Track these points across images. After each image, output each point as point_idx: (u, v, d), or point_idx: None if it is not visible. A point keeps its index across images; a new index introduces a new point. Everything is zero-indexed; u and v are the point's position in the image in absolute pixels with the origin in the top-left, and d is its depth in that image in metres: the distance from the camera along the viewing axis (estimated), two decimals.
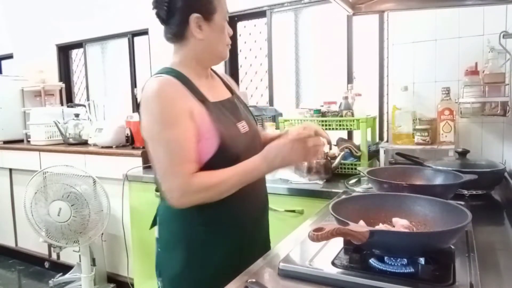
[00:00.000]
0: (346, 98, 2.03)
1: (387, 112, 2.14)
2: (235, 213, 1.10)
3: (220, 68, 2.71)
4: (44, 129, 3.18)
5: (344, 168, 1.95)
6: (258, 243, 1.20)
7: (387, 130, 2.14)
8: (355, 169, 1.91)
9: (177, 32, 1.09)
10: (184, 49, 1.11)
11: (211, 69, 1.22)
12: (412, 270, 0.78)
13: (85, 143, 3.04)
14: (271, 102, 2.67)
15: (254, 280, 0.78)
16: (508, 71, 1.61)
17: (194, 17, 1.06)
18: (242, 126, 1.11)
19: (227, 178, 1.01)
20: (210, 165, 1.02)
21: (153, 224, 1.21)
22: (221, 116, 1.07)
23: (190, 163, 1.00)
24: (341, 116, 1.97)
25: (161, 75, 1.06)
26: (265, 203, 1.25)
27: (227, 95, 1.18)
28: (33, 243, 3.21)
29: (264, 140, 1.22)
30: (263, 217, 1.25)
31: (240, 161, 1.04)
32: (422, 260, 0.77)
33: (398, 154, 1.91)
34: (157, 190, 1.59)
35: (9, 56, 4.13)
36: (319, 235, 0.72)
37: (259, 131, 1.22)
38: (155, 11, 1.09)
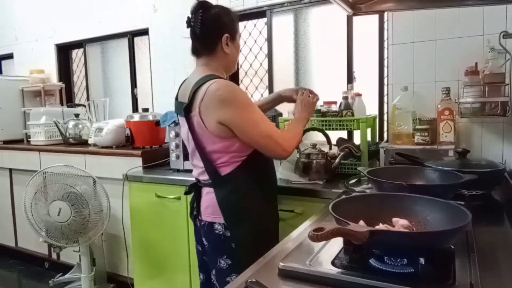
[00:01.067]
0: (346, 98, 2.03)
1: (387, 112, 2.14)
2: (273, 191, 1.55)
3: None
4: (44, 129, 3.18)
5: (344, 168, 1.95)
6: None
7: (387, 130, 2.14)
8: (355, 169, 1.91)
9: (210, 47, 1.40)
10: (216, 60, 1.42)
11: None
12: (412, 270, 0.78)
13: (85, 143, 3.03)
14: None
15: (254, 280, 0.78)
16: (508, 71, 1.61)
17: (225, 36, 1.40)
18: None
19: (295, 131, 1.49)
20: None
21: (196, 213, 1.49)
22: None
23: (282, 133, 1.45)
24: (341, 116, 1.97)
25: (218, 79, 1.35)
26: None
27: None
28: (33, 243, 3.21)
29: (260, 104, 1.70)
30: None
31: None
32: (422, 260, 0.77)
33: (398, 154, 1.91)
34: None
35: (9, 56, 4.13)
36: (319, 235, 0.72)
37: None
38: (189, 28, 1.40)
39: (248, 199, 1.39)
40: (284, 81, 2.66)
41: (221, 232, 1.39)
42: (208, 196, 1.42)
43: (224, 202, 1.37)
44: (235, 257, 1.37)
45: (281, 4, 2.54)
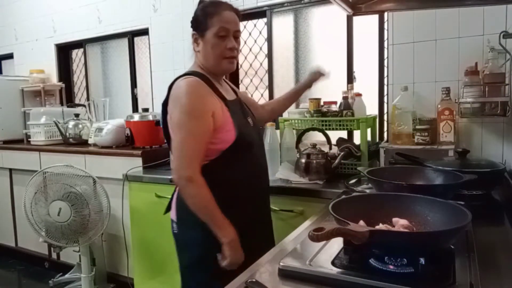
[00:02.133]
0: (346, 98, 2.03)
1: (387, 112, 2.14)
2: (239, 196, 1.35)
3: None
4: (44, 129, 3.18)
5: (344, 168, 1.95)
6: (260, 232, 1.43)
7: (387, 130, 2.14)
8: (355, 169, 1.91)
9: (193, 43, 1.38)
10: (196, 57, 1.40)
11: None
12: (412, 270, 0.78)
13: (85, 143, 3.03)
14: None
15: (254, 280, 0.78)
16: (508, 71, 1.61)
17: (192, 34, 1.37)
18: (250, 121, 1.41)
19: (203, 206, 1.26)
20: (230, 150, 1.29)
21: (167, 209, 1.46)
22: (236, 112, 1.35)
23: (197, 160, 1.25)
24: (341, 116, 1.97)
25: (189, 76, 1.30)
26: (267, 193, 1.52)
27: (234, 96, 1.45)
28: (33, 243, 3.21)
29: (263, 109, 1.70)
30: (265, 206, 1.51)
31: (252, 148, 1.36)
32: (422, 260, 0.77)
33: (398, 154, 1.91)
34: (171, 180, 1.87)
35: (9, 56, 4.13)
36: (319, 235, 0.72)
37: (259, 124, 1.56)
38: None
39: None
40: (284, 81, 2.66)
41: (175, 231, 1.41)
42: (175, 194, 1.43)
43: (178, 202, 1.36)
44: (182, 258, 1.40)
45: (281, 4, 2.54)
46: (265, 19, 2.65)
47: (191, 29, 1.38)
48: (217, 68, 1.35)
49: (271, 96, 2.68)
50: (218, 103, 1.30)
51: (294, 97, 1.76)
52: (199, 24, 1.34)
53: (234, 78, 2.82)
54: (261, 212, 1.47)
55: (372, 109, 2.21)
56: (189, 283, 1.38)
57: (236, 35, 1.34)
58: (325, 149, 1.93)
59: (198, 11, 1.35)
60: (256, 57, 2.78)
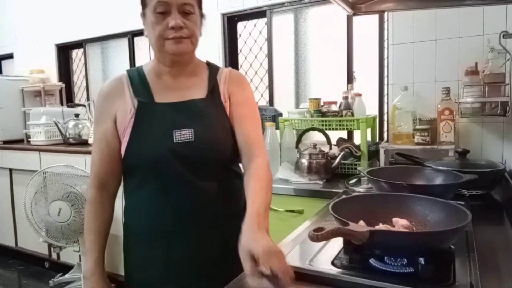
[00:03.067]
0: (346, 98, 2.03)
1: (387, 112, 2.14)
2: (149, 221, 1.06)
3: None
4: (44, 129, 3.17)
5: (344, 168, 1.95)
6: (194, 271, 1.05)
7: (387, 130, 2.14)
8: (355, 169, 1.91)
9: None
10: None
11: (212, 67, 1.13)
12: (412, 270, 0.78)
13: (85, 143, 3.03)
14: (271, 102, 2.67)
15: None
16: (508, 71, 1.61)
17: (140, 14, 1.07)
18: (182, 134, 1.00)
19: (86, 228, 1.13)
20: (126, 166, 1.06)
21: None
22: (153, 118, 1.02)
23: (94, 169, 1.09)
24: (341, 116, 1.97)
25: (119, 74, 1.10)
26: (212, 227, 1.05)
27: (196, 96, 1.06)
28: (33, 243, 3.20)
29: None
30: (207, 241, 1.05)
31: (160, 171, 1.00)
32: (422, 260, 0.77)
33: (398, 154, 1.91)
34: None
35: (9, 56, 4.13)
36: (319, 235, 0.72)
37: (221, 142, 1.06)
38: None
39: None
40: (284, 81, 2.66)
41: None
42: None
43: None
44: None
45: (281, 4, 2.54)
46: (265, 19, 2.65)
47: None
48: (162, 54, 1.02)
49: (271, 96, 2.68)
50: (127, 106, 1.03)
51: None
52: (141, 1, 1.05)
53: None
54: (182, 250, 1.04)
55: (372, 109, 2.21)
56: None
57: (184, 9, 0.99)
58: (325, 149, 1.93)
59: None
60: (256, 57, 2.79)
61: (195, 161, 1.02)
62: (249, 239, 0.81)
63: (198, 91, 1.08)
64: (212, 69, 1.13)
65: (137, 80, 1.07)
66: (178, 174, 1.00)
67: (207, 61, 1.16)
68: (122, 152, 1.03)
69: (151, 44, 1.04)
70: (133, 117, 1.02)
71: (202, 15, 1.07)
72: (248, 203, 0.95)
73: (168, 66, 1.06)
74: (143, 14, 1.05)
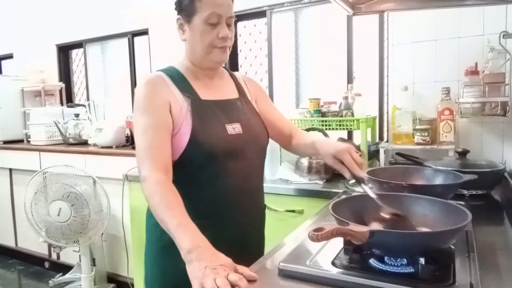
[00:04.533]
0: (346, 98, 2.03)
1: (387, 112, 2.14)
2: (213, 211, 1.10)
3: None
4: (44, 129, 3.18)
5: None
6: (240, 250, 1.04)
7: (387, 130, 2.14)
8: None
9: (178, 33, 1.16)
10: (184, 49, 1.17)
11: (228, 71, 1.27)
12: (412, 270, 0.78)
13: (85, 143, 3.04)
14: None
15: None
16: (508, 71, 1.61)
17: (176, 18, 1.13)
18: (233, 128, 1.12)
19: (154, 205, 0.97)
20: (185, 158, 1.06)
21: None
22: (206, 114, 1.10)
23: (152, 157, 1.02)
24: (341, 116, 1.97)
25: (156, 72, 1.14)
26: (255, 210, 1.20)
27: (232, 95, 1.20)
28: (33, 243, 3.20)
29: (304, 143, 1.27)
30: (251, 223, 1.19)
31: (218, 161, 1.06)
32: (422, 260, 0.77)
33: (398, 154, 1.91)
34: None
35: (9, 56, 4.13)
36: (319, 235, 0.72)
37: (261, 135, 1.20)
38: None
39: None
40: (284, 81, 2.66)
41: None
42: None
43: None
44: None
45: (281, 4, 2.54)
46: (265, 19, 2.65)
47: (177, 13, 1.14)
48: (206, 60, 1.12)
49: (271, 96, 2.68)
50: (179, 101, 1.08)
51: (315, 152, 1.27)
52: (184, 6, 1.10)
53: None
54: (238, 239, 1.13)
55: (372, 109, 2.21)
56: None
57: (229, 22, 1.10)
58: None
59: None
60: (256, 57, 2.79)
61: (245, 152, 1.12)
62: (329, 149, 1.13)
63: (230, 91, 1.21)
64: (229, 71, 1.28)
65: (178, 79, 1.12)
66: (232, 162, 1.09)
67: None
68: (182, 142, 1.05)
69: (193, 50, 1.12)
70: (189, 112, 1.07)
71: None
72: (312, 141, 1.22)
73: (204, 70, 1.16)
74: (187, 21, 1.10)
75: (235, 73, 1.28)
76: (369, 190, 1.02)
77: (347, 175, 1.10)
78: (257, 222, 1.22)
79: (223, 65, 1.23)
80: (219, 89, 1.18)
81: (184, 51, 1.17)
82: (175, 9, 1.13)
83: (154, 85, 1.09)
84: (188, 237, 0.88)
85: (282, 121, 1.32)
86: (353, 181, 1.78)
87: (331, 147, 1.13)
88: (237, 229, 1.13)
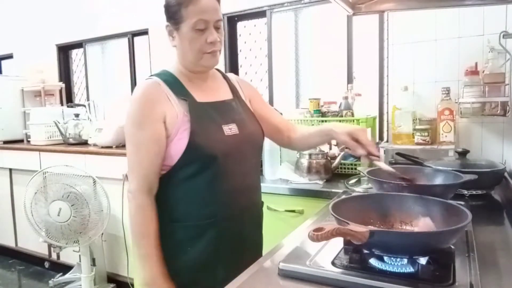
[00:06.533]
0: (346, 98, 2.03)
1: (387, 112, 2.14)
2: (210, 211, 1.11)
3: (220, 68, 2.71)
4: (44, 129, 3.17)
5: (344, 168, 1.95)
6: (240, 248, 1.16)
7: (387, 130, 2.14)
8: (355, 169, 1.91)
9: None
10: (175, 54, 1.19)
11: (221, 72, 1.28)
12: (412, 270, 0.78)
13: (85, 143, 3.03)
14: (271, 102, 2.67)
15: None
16: (508, 71, 1.61)
17: (165, 25, 1.15)
18: (230, 129, 1.13)
19: (132, 230, 1.08)
20: (184, 161, 1.07)
21: None
22: (203, 116, 1.11)
23: (141, 175, 1.08)
24: (341, 116, 1.97)
25: (150, 77, 1.15)
26: (253, 207, 1.23)
27: (226, 97, 1.20)
28: (33, 243, 3.20)
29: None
30: (250, 220, 1.22)
31: (217, 162, 1.08)
32: (422, 260, 0.77)
33: (398, 154, 1.91)
34: None
35: (9, 56, 4.13)
36: (319, 235, 0.72)
37: (257, 134, 1.22)
38: None
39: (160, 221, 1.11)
40: (284, 81, 2.66)
41: None
42: None
43: None
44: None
45: (281, 4, 2.54)
46: (265, 19, 2.65)
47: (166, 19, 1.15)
48: (197, 65, 1.13)
49: (271, 96, 2.68)
50: (175, 108, 1.08)
51: (319, 141, 1.36)
52: (171, 14, 1.11)
53: None
54: (236, 237, 1.15)
55: (372, 109, 2.21)
56: None
57: (217, 25, 1.10)
58: (325, 149, 1.93)
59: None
60: (256, 57, 2.79)
61: (242, 151, 1.15)
62: (344, 128, 1.15)
63: (224, 92, 1.22)
64: (222, 72, 1.29)
65: (173, 82, 1.13)
66: (230, 163, 1.11)
67: None
68: (180, 147, 1.06)
69: (184, 56, 1.14)
70: (186, 116, 1.08)
71: None
72: (317, 129, 1.28)
73: (197, 73, 1.17)
74: (176, 28, 1.11)
75: (228, 74, 1.30)
76: (384, 165, 1.10)
77: (361, 151, 1.11)
78: (255, 219, 1.25)
79: (216, 67, 1.23)
80: (213, 91, 1.19)
81: (175, 56, 1.19)
82: (165, 17, 1.15)
83: (150, 97, 1.09)
84: (148, 270, 1.05)
85: (277, 118, 1.34)
86: (353, 181, 1.78)
87: (345, 126, 1.18)
88: (237, 227, 1.15)
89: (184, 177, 1.09)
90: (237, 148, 1.13)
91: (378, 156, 1.12)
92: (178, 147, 1.07)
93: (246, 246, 1.18)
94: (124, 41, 3.36)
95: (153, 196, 1.10)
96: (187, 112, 1.08)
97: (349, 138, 1.12)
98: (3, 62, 4.39)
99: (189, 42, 1.10)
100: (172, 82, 1.13)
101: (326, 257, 0.87)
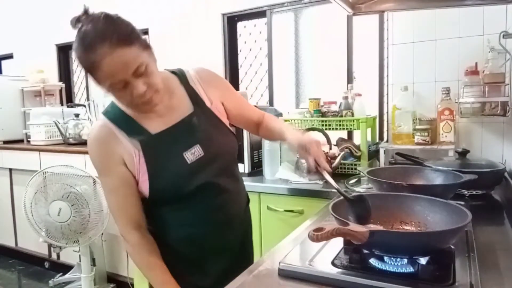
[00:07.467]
0: (346, 98, 2.03)
1: (387, 112, 2.14)
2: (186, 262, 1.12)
3: (220, 68, 2.71)
4: (44, 129, 3.17)
5: (344, 168, 1.95)
6: (236, 256, 1.18)
7: (387, 130, 2.14)
8: (355, 169, 1.91)
9: None
10: None
11: (178, 76, 1.14)
12: (412, 270, 0.78)
13: (85, 143, 3.01)
14: (271, 102, 2.67)
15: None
16: (508, 71, 1.61)
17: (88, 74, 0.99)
18: (193, 153, 1.04)
19: (138, 267, 1.11)
20: (155, 199, 1.06)
21: None
22: (160, 151, 1.04)
23: (124, 217, 1.08)
24: (341, 116, 1.97)
25: (101, 117, 1.06)
26: (238, 212, 1.20)
27: (186, 112, 1.08)
28: (33, 243, 3.21)
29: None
30: (238, 226, 1.20)
31: (185, 195, 1.04)
32: (422, 260, 0.77)
33: (398, 154, 1.91)
34: None
35: (9, 56, 4.13)
36: (319, 235, 0.72)
37: (227, 146, 1.14)
38: None
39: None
40: (284, 81, 2.66)
41: None
42: None
43: None
44: None
45: (281, 4, 2.54)
46: (265, 19, 2.65)
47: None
48: (136, 111, 1.03)
49: (271, 96, 2.68)
50: (129, 148, 1.02)
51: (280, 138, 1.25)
52: (85, 71, 0.96)
53: (234, 78, 2.82)
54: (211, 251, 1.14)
55: (372, 109, 2.21)
56: None
57: (139, 72, 0.94)
58: (325, 149, 1.93)
59: (74, 56, 0.97)
60: (256, 57, 2.79)
61: (210, 171, 1.07)
62: (298, 137, 1.09)
63: (183, 107, 1.09)
64: (181, 77, 1.14)
65: (122, 121, 1.04)
66: (201, 187, 1.06)
67: (170, 70, 1.16)
68: (145, 190, 1.04)
69: (119, 104, 1.04)
70: (142, 157, 1.01)
71: (147, 47, 1.03)
72: (279, 127, 1.21)
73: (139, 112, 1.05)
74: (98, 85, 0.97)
75: (188, 75, 1.14)
76: (331, 180, 1.01)
77: (310, 163, 1.04)
78: (244, 223, 1.24)
79: (176, 69, 1.17)
80: (170, 112, 1.06)
81: None
82: None
83: (103, 143, 1.03)
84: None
85: (251, 111, 1.27)
86: (353, 181, 1.78)
87: (298, 136, 1.11)
88: (223, 240, 1.14)
89: (158, 210, 1.09)
90: (204, 172, 1.06)
91: (330, 170, 1.05)
92: (144, 189, 1.04)
93: (232, 260, 1.16)
94: None
95: (145, 229, 1.08)
96: (141, 153, 1.01)
97: (300, 148, 1.07)
98: (3, 62, 4.39)
99: (116, 98, 1.00)
100: (121, 120, 1.03)
101: (326, 257, 0.87)
